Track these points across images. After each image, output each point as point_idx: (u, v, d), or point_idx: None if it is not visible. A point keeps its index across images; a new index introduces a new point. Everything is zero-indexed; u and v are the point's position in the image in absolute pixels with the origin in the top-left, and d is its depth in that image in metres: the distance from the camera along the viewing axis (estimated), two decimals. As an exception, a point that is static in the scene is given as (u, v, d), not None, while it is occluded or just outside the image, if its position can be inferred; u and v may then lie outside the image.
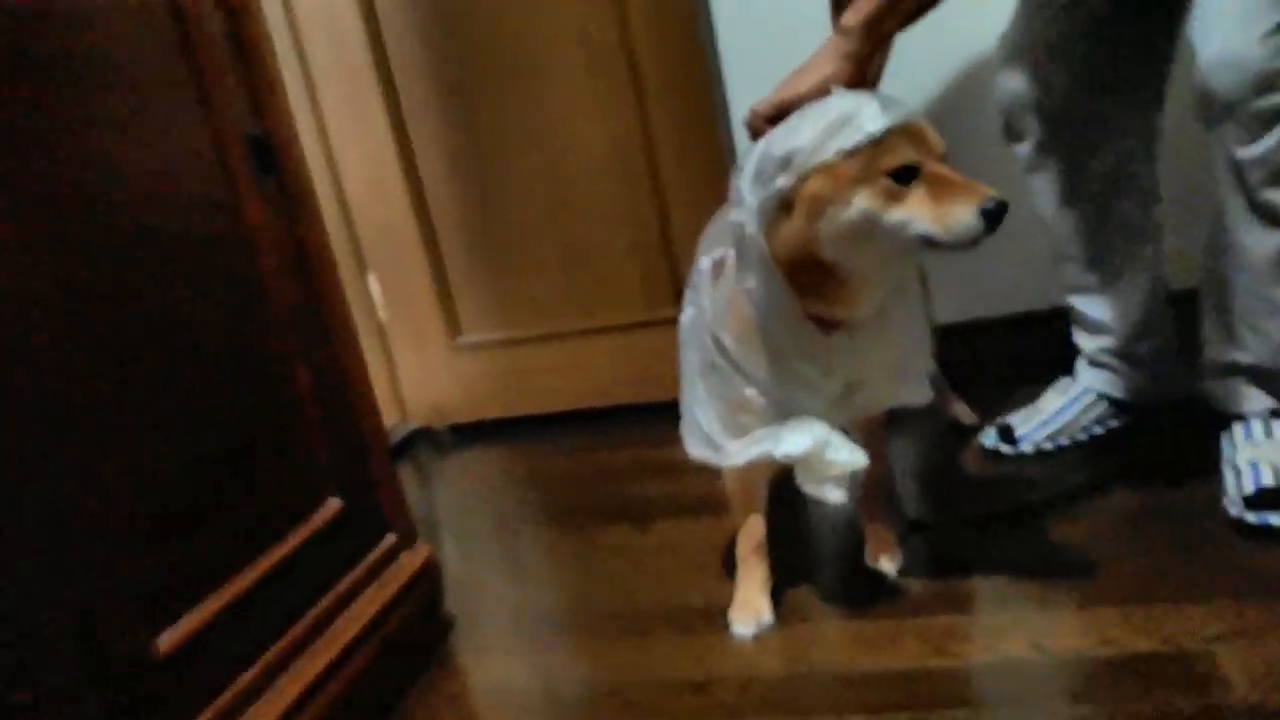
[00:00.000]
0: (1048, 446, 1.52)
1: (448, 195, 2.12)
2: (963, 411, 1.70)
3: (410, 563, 1.29)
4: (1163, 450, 1.46)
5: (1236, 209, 1.21)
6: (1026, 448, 1.52)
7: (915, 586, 1.22)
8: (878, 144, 0.97)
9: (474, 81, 2.03)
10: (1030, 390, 1.62)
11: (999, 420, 1.57)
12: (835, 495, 1.09)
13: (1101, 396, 1.52)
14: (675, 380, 1.26)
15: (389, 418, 2.29)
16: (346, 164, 2.14)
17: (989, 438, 1.57)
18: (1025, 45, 1.41)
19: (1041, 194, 1.48)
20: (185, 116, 1.03)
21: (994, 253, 1.83)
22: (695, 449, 1.20)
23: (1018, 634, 1.09)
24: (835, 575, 1.31)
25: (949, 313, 1.80)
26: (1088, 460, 1.48)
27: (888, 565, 1.25)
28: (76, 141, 0.88)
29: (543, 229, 2.09)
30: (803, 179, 1.00)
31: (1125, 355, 1.49)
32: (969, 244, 0.96)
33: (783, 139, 1.03)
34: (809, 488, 1.10)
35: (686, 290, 1.24)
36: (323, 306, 1.20)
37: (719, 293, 1.17)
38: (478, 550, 1.67)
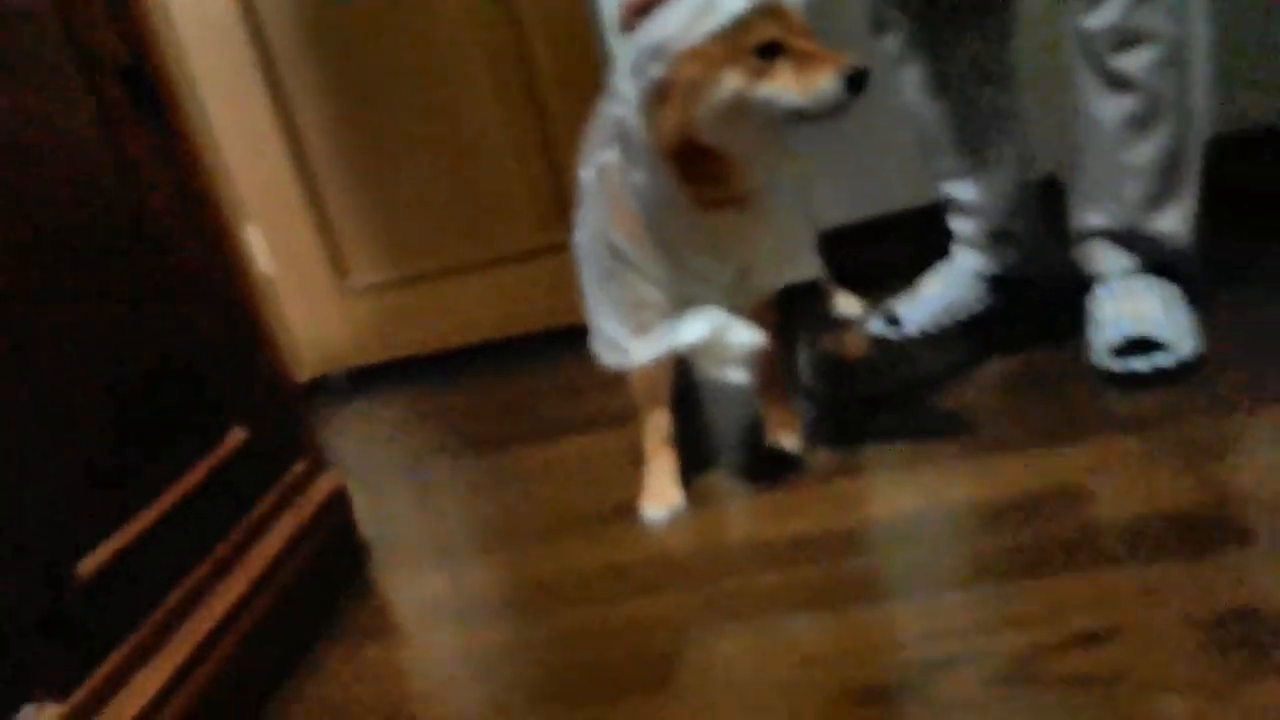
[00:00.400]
0: (930, 328, 1.60)
1: (326, 140, 2.08)
2: (847, 304, 1.76)
3: (321, 489, 1.29)
4: (1036, 321, 1.54)
5: (1087, 78, 1.28)
6: (911, 330, 1.60)
7: (815, 460, 1.28)
8: (741, 24, 1.01)
9: (346, 20, 1.98)
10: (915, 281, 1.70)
11: (884, 308, 1.64)
12: (736, 375, 1.13)
13: (978, 276, 1.60)
14: (571, 305, 1.28)
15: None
16: (220, 120, 2.08)
17: (876, 325, 1.64)
18: None
19: (910, 85, 1.54)
20: (53, 49, 0.99)
21: (868, 152, 1.91)
22: (606, 357, 1.24)
23: (913, 490, 1.16)
24: (739, 458, 1.36)
25: (831, 216, 1.86)
26: (968, 336, 1.57)
27: (789, 442, 1.31)
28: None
29: (425, 163, 2.07)
30: (675, 66, 1.03)
31: (998, 234, 1.57)
32: (834, 110, 1.01)
33: (653, 30, 1.05)
34: (710, 371, 1.14)
35: (576, 210, 1.26)
36: (214, 240, 1.18)
37: (604, 197, 1.19)
38: (388, 486, 1.66)
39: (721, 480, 1.30)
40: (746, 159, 1.09)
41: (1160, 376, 1.23)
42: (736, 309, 1.19)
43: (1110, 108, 1.27)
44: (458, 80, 1.99)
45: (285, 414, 1.26)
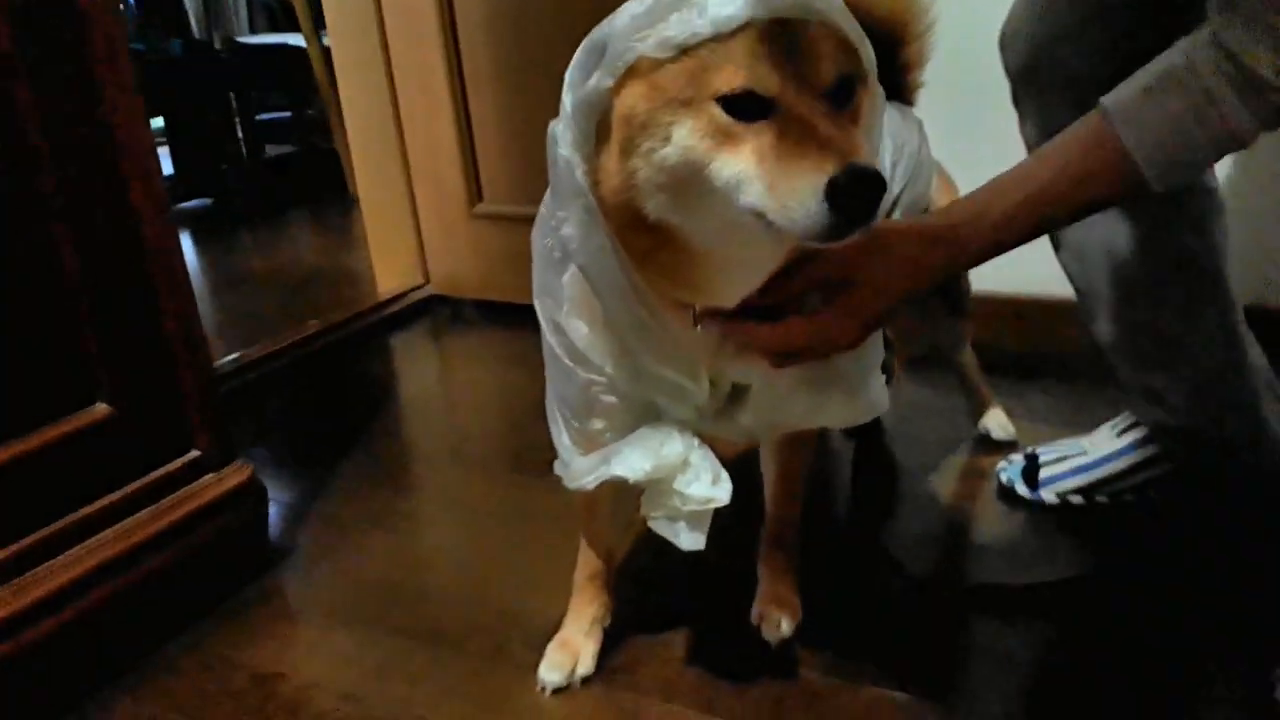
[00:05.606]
0: (1076, 500, 1.14)
1: (483, 43, 1.84)
2: (996, 422, 1.32)
3: (217, 485, 1.09)
4: (1242, 545, 1.05)
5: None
6: (1048, 496, 1.15)
7: (801, 666, 0.91)
8: (721, 44, 0.59)
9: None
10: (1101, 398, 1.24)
11: (1028, 448, 1.20)
12: (687, 539, 0.78)
13: (1168, 455, 1.11)
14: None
15: (412, 278, 2.09)
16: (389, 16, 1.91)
17: (1008, 469, 1.20)
18: None
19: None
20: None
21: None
22: (556, 467, 0.87)
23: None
24: (702, 625, 0.99)
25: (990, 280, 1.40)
26: (1120, 533, 1.10)
27: (771, 629, 0.94)
28: None
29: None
30: (619, 83, 0.64)
31: (1190, 435, 1.05)
32: (815, 238, 0.59)
33: (612, 19, 0.66)
34: (656, 525, 0.80)
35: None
36: (113, 168, 0.96)
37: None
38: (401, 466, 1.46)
39: (664, 649, 0.95)
40: (722, 257, 0.69)
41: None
42: (735, 437, 0.85)
43: None
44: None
45: (185, 394, 1.04)
